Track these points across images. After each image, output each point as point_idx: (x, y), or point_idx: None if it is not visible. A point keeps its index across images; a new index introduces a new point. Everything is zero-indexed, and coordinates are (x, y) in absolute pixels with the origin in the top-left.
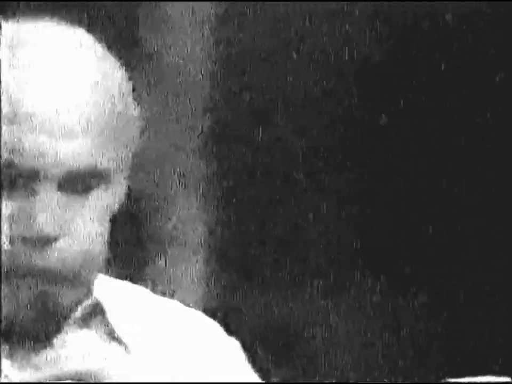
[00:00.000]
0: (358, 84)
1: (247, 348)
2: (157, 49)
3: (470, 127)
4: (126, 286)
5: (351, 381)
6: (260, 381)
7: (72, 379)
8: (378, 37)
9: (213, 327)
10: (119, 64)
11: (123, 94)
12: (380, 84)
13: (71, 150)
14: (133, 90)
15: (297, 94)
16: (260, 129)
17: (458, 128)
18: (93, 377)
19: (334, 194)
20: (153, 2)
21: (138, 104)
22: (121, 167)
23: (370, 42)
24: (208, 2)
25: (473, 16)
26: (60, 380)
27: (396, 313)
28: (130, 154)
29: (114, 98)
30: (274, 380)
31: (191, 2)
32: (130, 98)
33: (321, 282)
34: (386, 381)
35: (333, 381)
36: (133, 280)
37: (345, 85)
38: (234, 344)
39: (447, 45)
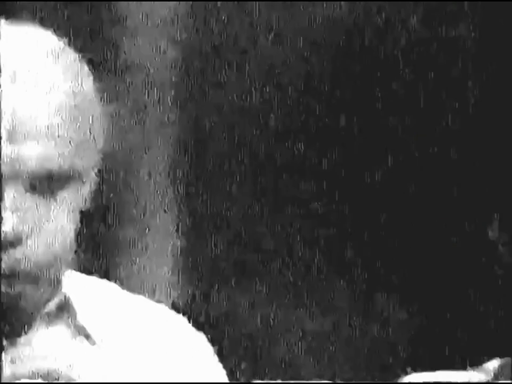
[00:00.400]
0: (330, 85)
1: (214, 344)
2: (122, 47)
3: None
4: (94, 281)
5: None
6: (225, 374)
7: (41, 376)
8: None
9: (181, 322)
10: (84, 64)
11: (88, 95)
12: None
13: (37, 153)
14: (99, 90)
15: (264, 91)
16: (228, 126)
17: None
18: (62, 373)
19: (305, 192)
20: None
21: (104, 104)
22: (88, 167)
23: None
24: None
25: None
26: (30, 378)
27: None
28: (97, 155)
29: (79, 100)
30: (241, 378)
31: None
32: (95, 100)
33: (290, 281)
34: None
35: (317, 381)
36: (102, 277)
37: (318, 86)
38: (201, 338)
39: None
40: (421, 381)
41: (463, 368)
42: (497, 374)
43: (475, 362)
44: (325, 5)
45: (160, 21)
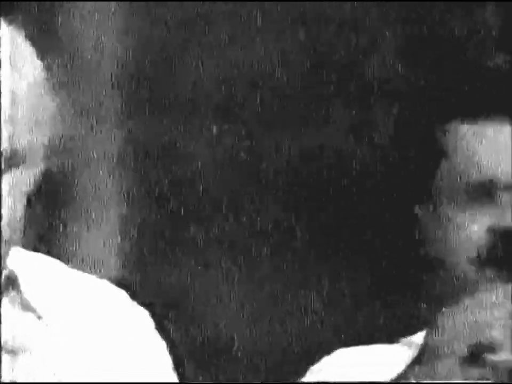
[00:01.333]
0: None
1: (157, 321)
2: (71, 36)
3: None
4: (40, 258)
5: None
6: (166, 347)
7: None
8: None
9: (123, 297)
10: (34, 50)
11: (38, 82)
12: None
13: None
14: (47, 75)
15: (216, 86)
16: (169, 110)
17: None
18: (7, 348)
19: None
20: None
21: (53, 88)
22: (35, 150)
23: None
24: None
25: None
26: None
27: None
28: (45, 136)
29: (29, 84)
30: (184, 354)
31: None
32: (44, 83)
33: (235, 253)
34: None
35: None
36: (48, 253)
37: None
38: (143, 313)
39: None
40: (348, 357)
41: (389, 342)
42: (423, 347)
43: (401, 335)
44: None
45: (110, 12)
